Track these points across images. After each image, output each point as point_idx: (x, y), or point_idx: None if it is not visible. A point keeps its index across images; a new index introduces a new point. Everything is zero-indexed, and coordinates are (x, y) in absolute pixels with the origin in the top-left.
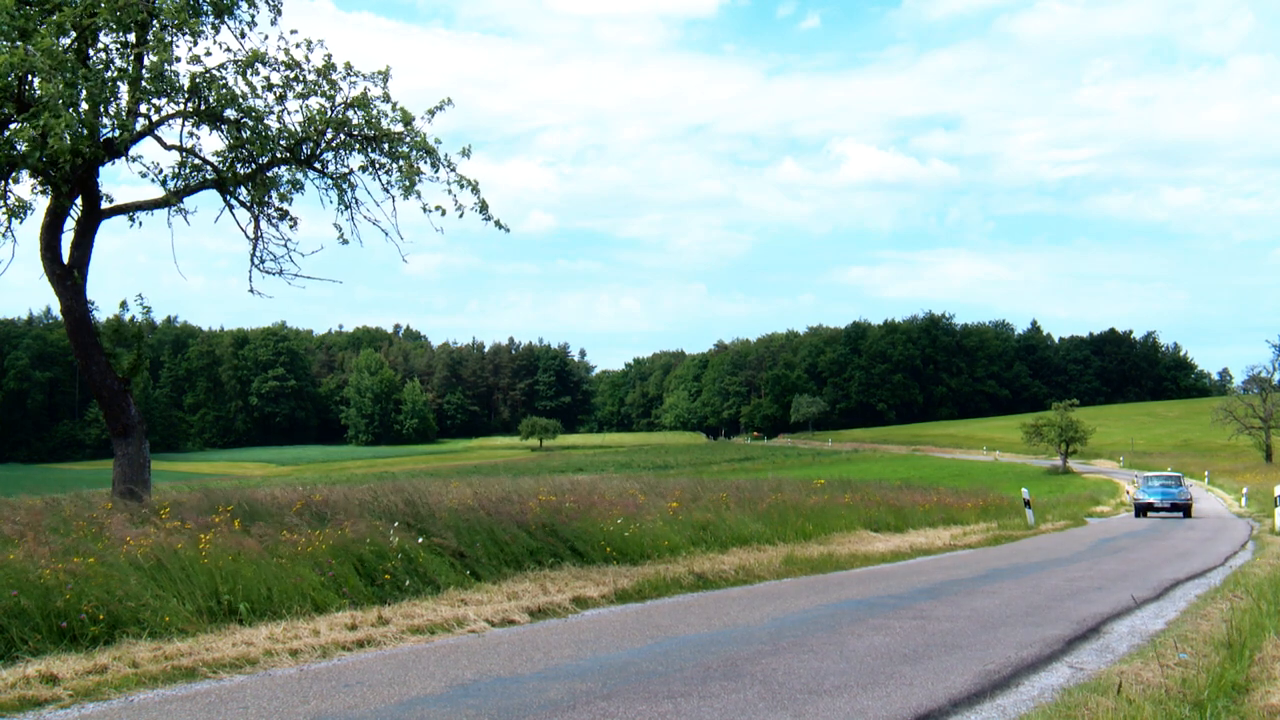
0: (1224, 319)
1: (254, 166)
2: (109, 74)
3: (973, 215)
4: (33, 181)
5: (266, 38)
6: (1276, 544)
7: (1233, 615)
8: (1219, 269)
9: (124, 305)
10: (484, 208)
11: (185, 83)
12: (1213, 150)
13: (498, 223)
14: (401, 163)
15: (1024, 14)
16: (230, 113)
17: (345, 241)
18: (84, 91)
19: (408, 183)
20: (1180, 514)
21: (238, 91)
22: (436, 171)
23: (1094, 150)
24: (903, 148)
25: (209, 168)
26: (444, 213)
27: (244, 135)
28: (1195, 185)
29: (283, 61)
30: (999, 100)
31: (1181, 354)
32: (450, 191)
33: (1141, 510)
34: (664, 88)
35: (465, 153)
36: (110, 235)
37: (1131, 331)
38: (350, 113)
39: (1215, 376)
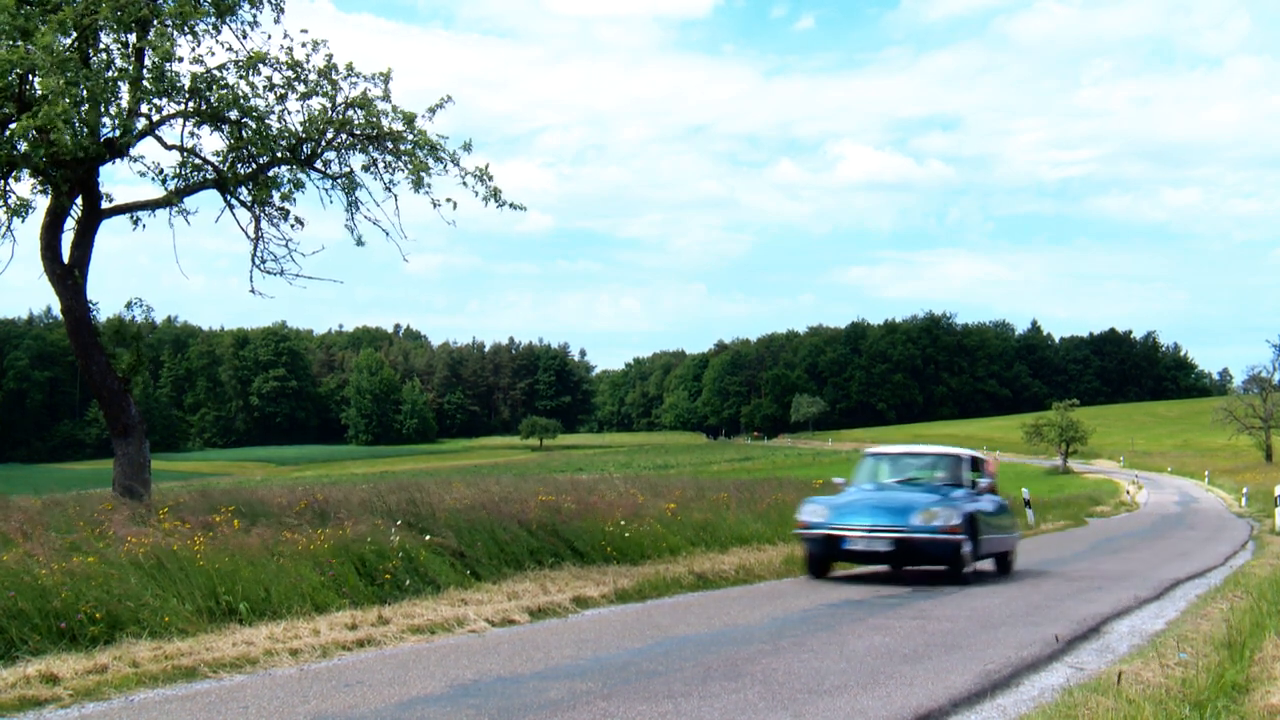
0: (1224, 319)
1: (254, 166)
2: (110, 74)
3: (972, 215)
4: (33, 181)
5: (270, 37)
6: (1276, 544)
7: (1233, 615)
8: (1219, 269)
9: (130, 305)
10: (496, 194)
11: (186, 83)
12: (1212, 150)
13: (511, 204)
14: (406, 159)
15: (1022, 14)
16: (232, 113)
17: (362, 243)
18: (85, 90)
19: (416, 177)
20: (944, 564)
21: (239, 92)
22: (444, 169)
23: (1093, 151)
24: (901, 148)
25: (209, 168)
26: (455, 205)
27: (245, 135)
28: (1195, 185)
29: (284, 62)
30: (998, 100)
31: (1181, 354)
32: (465, 183)
33: (821, 559)
34: (663, 88)
35: (467, 147)
36: (111, 235)
37: (1131, 331)
38: (351, 112)
39: (1215, 376)
